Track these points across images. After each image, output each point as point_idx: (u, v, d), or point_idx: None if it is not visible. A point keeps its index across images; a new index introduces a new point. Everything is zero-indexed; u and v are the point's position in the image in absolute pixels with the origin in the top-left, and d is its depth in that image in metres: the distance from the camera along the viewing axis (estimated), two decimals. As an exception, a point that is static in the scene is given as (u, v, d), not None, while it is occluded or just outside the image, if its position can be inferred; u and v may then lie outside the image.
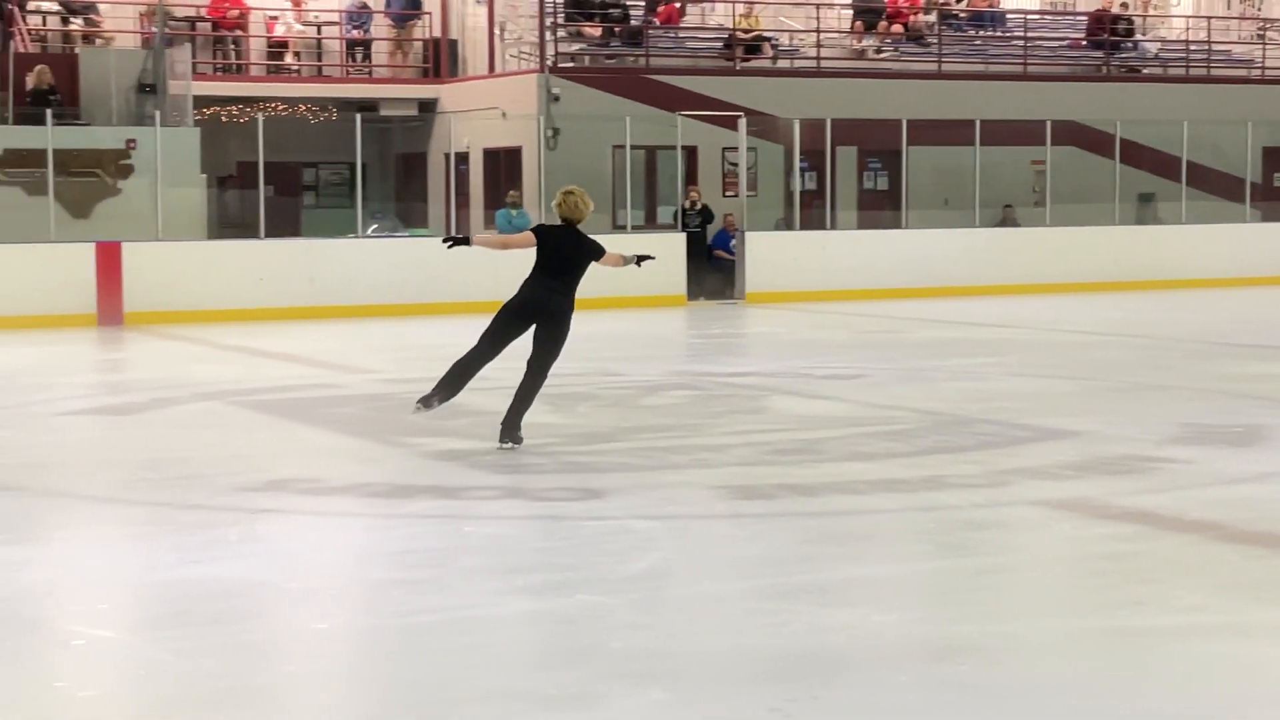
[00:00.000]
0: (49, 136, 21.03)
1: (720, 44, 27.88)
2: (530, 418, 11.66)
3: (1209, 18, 32.09)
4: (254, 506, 8.77)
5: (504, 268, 22.66)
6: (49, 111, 21.31)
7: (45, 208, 20.96)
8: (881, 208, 27.28)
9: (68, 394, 13.92)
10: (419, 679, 5.67)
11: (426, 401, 10.46)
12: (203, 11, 27.83)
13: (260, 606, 6.77)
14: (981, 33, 30.13)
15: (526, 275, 10.43)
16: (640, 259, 10.91)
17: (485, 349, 10.40)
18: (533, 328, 10.37)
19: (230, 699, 5.44)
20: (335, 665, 6.03)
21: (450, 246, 10.50)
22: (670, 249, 22.92)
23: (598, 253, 10.49)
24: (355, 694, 5.66)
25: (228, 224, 24.94)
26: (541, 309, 10.26)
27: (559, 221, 10.46)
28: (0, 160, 21.98)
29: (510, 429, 10.38)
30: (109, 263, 20.16)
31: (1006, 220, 26.93)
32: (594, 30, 27.10)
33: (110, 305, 20.09)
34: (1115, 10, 30.56)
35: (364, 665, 6.01)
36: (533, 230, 10.60)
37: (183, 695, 5.50)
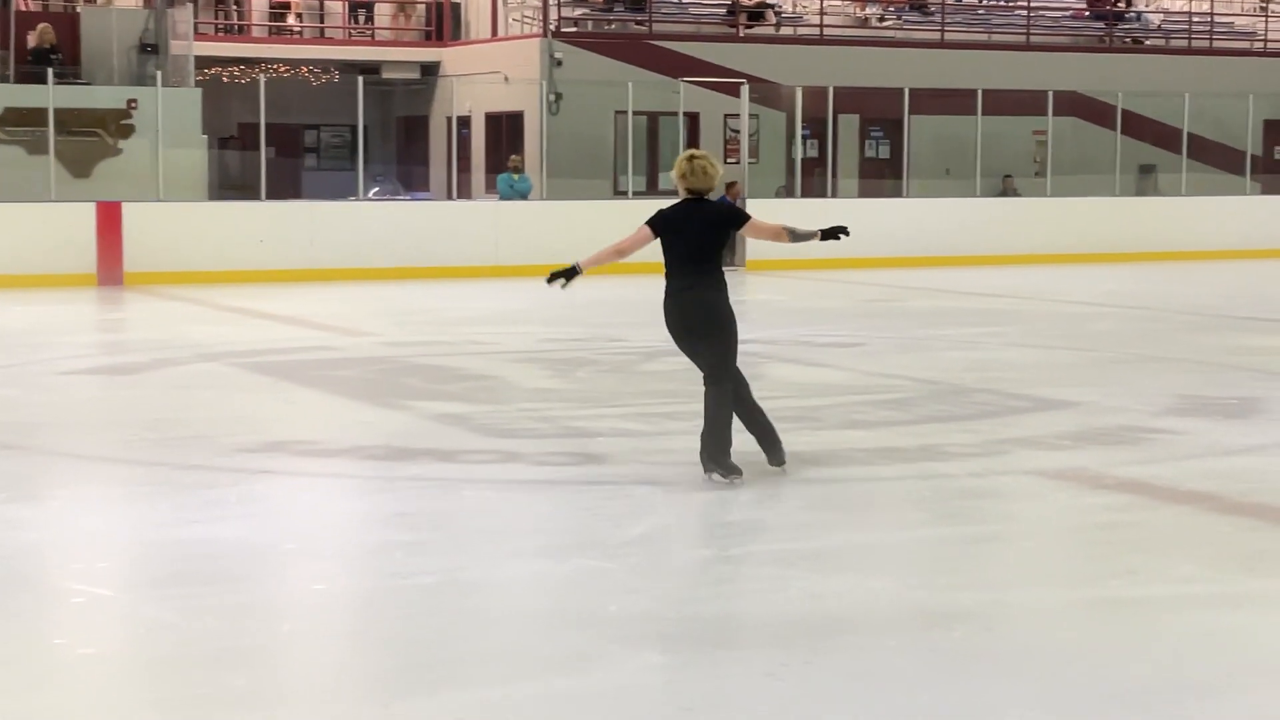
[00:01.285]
0: (50, 95, 21.01)
1: (723, 10, 27.83)
2: (530, 382, 11.71)
3: (1213, -11, 32.06)
4: (253, 467, 8.81)
5: (505, 231, 22.79)
6: (50, 70, 21.29)
7: (46, 167, 20.95)
8: (883, 176, 27.27)
9: (68, 353, 13.94)
10: (417, 639, 5.72)
11: (721, 471, 8.29)
12: (205, -29, 27.80)
13: (259, 567, 6.81)
14: (984, 2, 30.09)
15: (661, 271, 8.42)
16: (836, 231, 8.75)
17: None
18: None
19: (229, 658, 5.48)
20: (333, 625, 6.07)
21: (564, 285, 8.44)
22: (671, 215, 22.90)
23: (740, 220, 8.56)
24: (353, 654, 5.70)
25: (229, 185, 24.94)
26: (707, 314, 8.31)
27: (683, 194, 8.44)
28: (1, 119, 21.97)
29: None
30: (109, 223, 20.15)
31: (1007, 190, 26.92)
32: (597, -5, 27.06)
33: (110, 265, 20.09)
34: (1119, -20, 30.54)
35: (362, 626, 6.05)
36: (649, 224, 8.33)
37: (182, 653, 5.54)
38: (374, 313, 17.40)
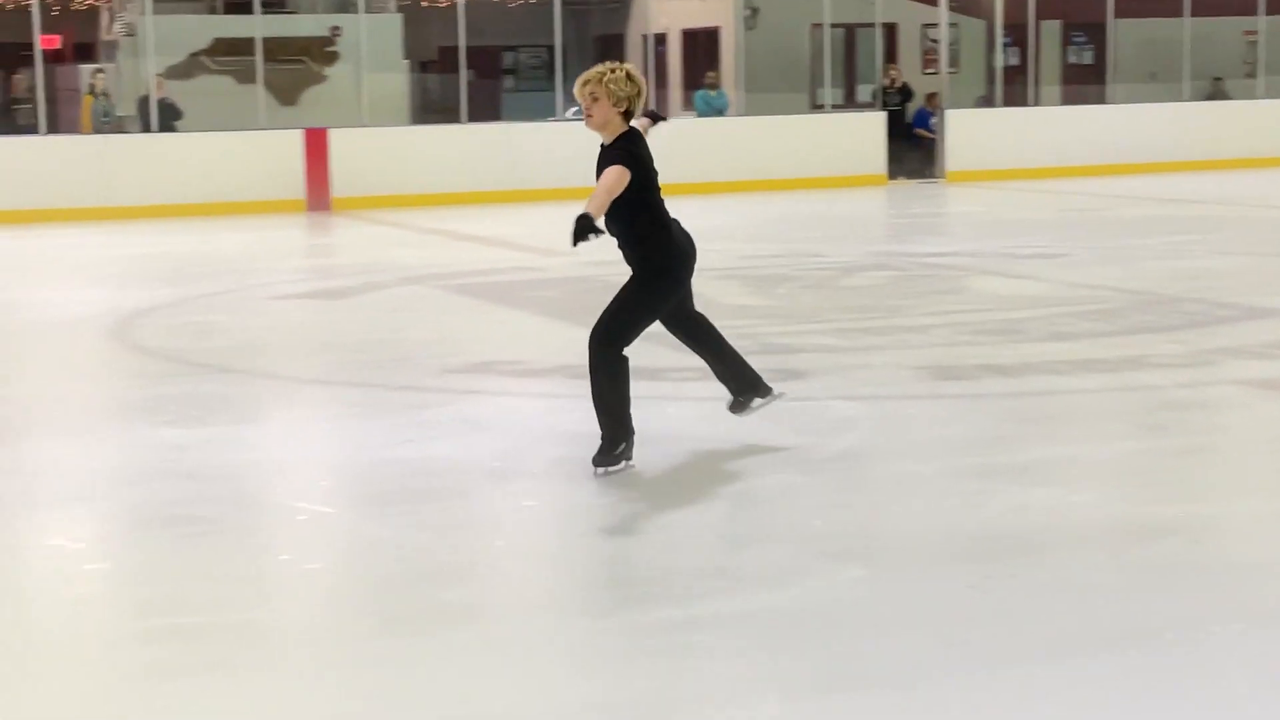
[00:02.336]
0: (257, 25, 21.49)
1: (920, -83, 27.41)
2: (730, 299, 11.76)
3: None
4: (461, 388, 9.02)
5: (703, 148, 22.84)
6: (256, 1, 21.77)
7: (254, 95, 21.47)
8: (1086, 82, 26.71)
9: (280, 278, 14.34)
10: (621, 556, 5.86)
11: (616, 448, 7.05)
12: (403, -103, 28.08)
13: (470, 484, 7.00)
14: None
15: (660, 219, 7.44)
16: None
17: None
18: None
19: (444, 573, 5.67)
20: (541, 542, 6.24)
21: (577, 242, 6.79)
22: (870, 128, 22.75)
23: None
24: (559, 569, 5.86)
25: (430, 109, 25.30)
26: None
27: (622, 121, 7.01)
28: (210, 49, 22.55)
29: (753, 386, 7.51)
30: (317, 149, 20.60)
31: (1216, 93, 26.21)
32: (792, -94, 26.80)
33: (318, 191, 20.55)
34: None
35: (571, 542, 6.21)
36: (624, 164, 6.92)
37: (400, 569, 5.74)
38: (575, 232, 17.54)
